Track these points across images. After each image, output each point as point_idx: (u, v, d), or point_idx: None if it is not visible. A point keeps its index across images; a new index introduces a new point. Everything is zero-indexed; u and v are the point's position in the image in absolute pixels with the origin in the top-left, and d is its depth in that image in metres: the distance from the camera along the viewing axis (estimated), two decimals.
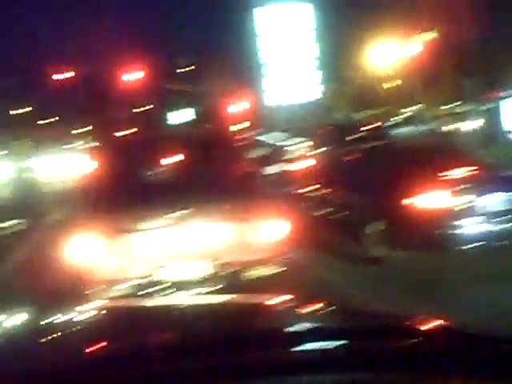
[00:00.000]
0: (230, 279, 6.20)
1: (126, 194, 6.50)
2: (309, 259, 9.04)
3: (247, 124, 43.73)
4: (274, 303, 2.10)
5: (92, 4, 66.48)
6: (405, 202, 8.22)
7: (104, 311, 2.46)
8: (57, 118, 69.38)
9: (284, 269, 6.28)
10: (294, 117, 40.64)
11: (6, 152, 42.87)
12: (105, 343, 1.66)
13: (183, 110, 56.87)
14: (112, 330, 1.92)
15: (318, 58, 41.03)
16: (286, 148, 19.95)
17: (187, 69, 54.45)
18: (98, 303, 4.52)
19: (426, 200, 8.14)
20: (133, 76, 37.69)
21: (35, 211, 17.87)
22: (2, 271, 10.13)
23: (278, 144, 20.68)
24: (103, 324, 2.11)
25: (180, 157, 6.89)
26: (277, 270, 6.27)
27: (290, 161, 17.75)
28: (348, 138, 17.47)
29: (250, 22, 47.24)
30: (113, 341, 1.69)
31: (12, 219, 16.65)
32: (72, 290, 6.14)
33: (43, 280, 7.87)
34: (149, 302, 3.74)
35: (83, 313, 2.36)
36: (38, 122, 69.19)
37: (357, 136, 18.01)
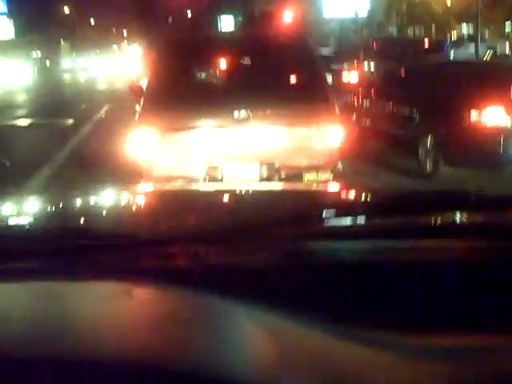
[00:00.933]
0: (283, 182, 6.25)
1: (186, 93, 6.51)
2: (357, 170, 9.06)
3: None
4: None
5: None
6: (463, 118, 8.10)
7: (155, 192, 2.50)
8: (96, 20, 69.06)
9: (332, 178, 6.31)
10: (347, 31, 39.75)
11: (52, 51, 42.96)
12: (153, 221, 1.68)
13: (230, 14, 55.97)
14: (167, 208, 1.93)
15: None
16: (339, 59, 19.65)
17: None
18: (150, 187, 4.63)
19: (484, 118, 8.01)
20: None
21: (87, 108, 18.12)
22: (57, 164, 10.36)
23: (329, 55, 20.35)
24: (154, 203, 2.13)
25: (243, 59, 6.83)
26: (327, 178, 6.30)
27: (344, 71, 17.59)
28: (404, 53, 17.05)
29: None
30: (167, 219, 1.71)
31: (64, 116, 16.96)
32: (128, 184, 6.28)
33: (100, 172, 8.04)
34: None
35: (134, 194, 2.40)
36: (85, 22, 69.13)
37: (414, 51, 17.58)
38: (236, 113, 6.27)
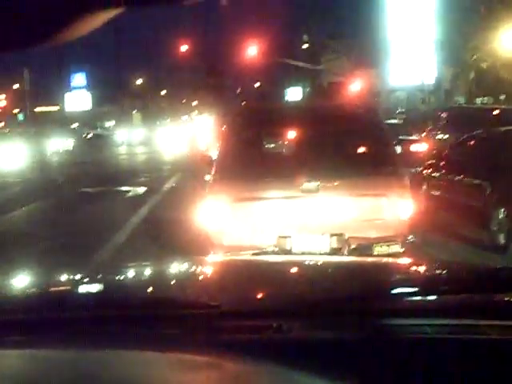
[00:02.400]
0: (354, 255, 6.21)
1: (256, 162, 6.61)
2: (430, 242, 8.94)
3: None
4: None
5: None
6: None
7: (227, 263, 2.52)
8: (167, 90, 71.03)
9: (402, 250, 6.24)
10: (414, 99, 39.80)
11: (125, 121, 44.44)
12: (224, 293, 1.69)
13: (299, 86, 56.87)
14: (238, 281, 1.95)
15: (437, 41, 39.75)
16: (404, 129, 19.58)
17: (306, 46, 54.28)
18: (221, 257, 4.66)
19: None
20: (252, 49, 37.83)
21: (158, 177, 18.53)
22: (128, 231, 10.58)
23: (399, 123, 20.34)
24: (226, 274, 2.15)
25: (312, 129, 6.91)
26: (397, 251, 6.24)
27: (412, 142, 17.49)
28: (472, 122, 16.89)
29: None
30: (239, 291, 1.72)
31: (125, 185, 17.42)
32: (199, 252, 6.36)
33: (171, 241, 8.17)
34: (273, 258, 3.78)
35: (205, 264, 2.42)
36: (157, 93, 71.28)
37: (482, 120, 17.39)
38: (305, 183, 6.31)
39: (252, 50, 39.14)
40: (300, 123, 6.91)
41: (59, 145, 38.40)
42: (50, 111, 55.75)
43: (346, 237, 6.34)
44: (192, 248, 6.72)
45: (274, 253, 6.29)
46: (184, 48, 43.85)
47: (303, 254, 6.23)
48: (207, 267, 2.29)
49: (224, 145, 6.93)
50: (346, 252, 6.28)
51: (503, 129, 10.04)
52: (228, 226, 6.39)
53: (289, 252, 6.32)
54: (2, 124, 49.13)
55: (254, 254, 6.21)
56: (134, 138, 48.55)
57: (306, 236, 6.42)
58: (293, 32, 56.40)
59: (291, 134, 7.02)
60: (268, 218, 6.43)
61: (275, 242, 6.36)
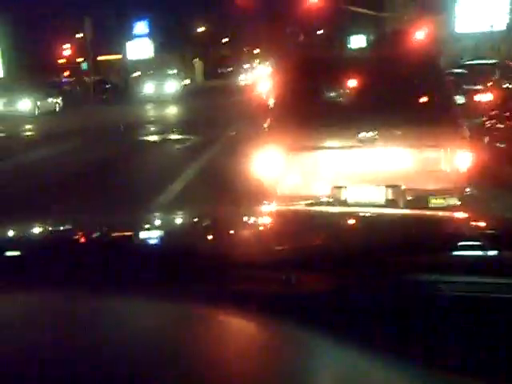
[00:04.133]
0: (410, 207, 6.12)
1: (313, 111, 6.51)
2: (489, 195, 8.73)
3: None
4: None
5: None
6: None
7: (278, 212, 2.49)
8: (229, 38, 70.67)
9: (460, 203, 6.10)
10: (482, 47, 38.46)
11: (186, 69, 44.53)
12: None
13: (362, 34, 55.75)
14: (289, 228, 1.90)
15: None
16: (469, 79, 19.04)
17: None
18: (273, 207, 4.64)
19: None
20: None
21: (218, 126, 18.60)
22: (183, 181, 10.68)
23: (464, 73, 19.76)
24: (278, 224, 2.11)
25: (370, 79, 6.75)
26: (454, 203, 6.10)
27: (477, 91, 17.04)
28: None
29: None
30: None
31: (185, 133, 17.54)
32: (253, 203, 6.36)
33: (226, 191, 8.21)
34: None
35: (257, 214, 2.40)
36: (218, 41, 71.01)
37: None
38: (363, 133, 6.21)
39: None
40: (357, 72, 6.76)
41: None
42: (111, 60, 56.29)
43: (403, 188, 6.24)
44: (247, 196, 6.72)
45: (328, 203, 6.26)
46: None
47: (357, 205, 6.19)
48: (251, 217, 2.26)
49: (279, 93, 6.85)
50: (401, 204, 6.20)
51: None
52: (282, 176, 6.36)
53: (343, 202, 6.27)
54: (67, 73, 49.84)
55: (307, 205, 6.22)
56: (198, 85, 48.68)
57: (362, 187, 6.35)
58: None
59: (349, 84, 6.87)
60: (323, 168, 6.37)
61: (330, 192, 6.31)
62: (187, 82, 51.03)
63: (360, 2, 47.85)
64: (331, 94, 7.01)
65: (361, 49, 33.47)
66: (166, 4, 61.01)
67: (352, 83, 6.82)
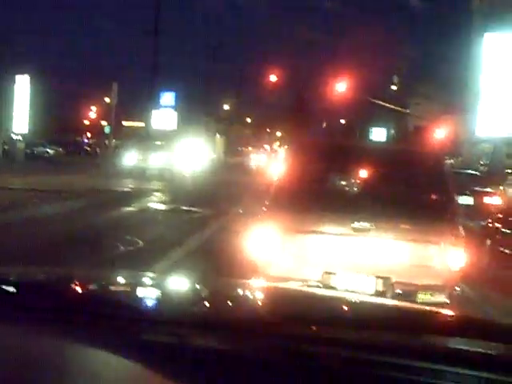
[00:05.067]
0: (397, 300, 6.11)
1: (312, 196, 6.61)
2: (486, 298, 8.70)
3: (449, 152, 42.63)
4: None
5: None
6: None
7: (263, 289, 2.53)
8: (253, 119, 71.94)
9: (448, 301, 6.10)
10: (499, 152, 38.82)
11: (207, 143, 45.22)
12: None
13: (384, 127, 56.50)
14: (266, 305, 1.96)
15: None
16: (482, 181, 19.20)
17: (394, 87, 54.07)
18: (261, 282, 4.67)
19: None
20: (341, 85, 37.92)
21: (216, 202, 18.77)
22: (183, 252, 10.74)
23: (478, 174, 19.93)
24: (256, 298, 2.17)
25: (371, 170, 6.87)
26: (442, 300, 6.10)
27: (486, 194, 17.15)
28: None
29: (478, 46, 45.37)
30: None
31: (195, 206, 17.72)
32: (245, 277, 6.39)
33: (218, 265, 8.25)
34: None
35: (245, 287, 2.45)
36: (242, 120, 72.31)
37: None
38: (358, 222, 6.27)
39: (341, 86, 39.23)
40: (360, 162, 6.88)
41: None
42: (136, 126, 57.30)
43: (392, 280, 6.26)
44: (238, 273, 6.76)
45: (316, 287, 6.26)
46: (273, 78, 44.31)
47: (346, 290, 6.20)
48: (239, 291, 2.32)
49: (281, 175, 6.97)
50: (389, 295, 6.20)
51: None
52: (275, 256, 6.40)
53: (332, 289, 6.28)
54: (90, 135, 50.80)
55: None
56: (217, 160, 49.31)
57: (352, 275, 6.37)
58: (383, 72, 56.37)
59: (350, 172, 7.00)
60: (316, 253, 6.41)
61: (320, 277, 6.33)
62: (212, 156, 51.76)
63: (385, 96, 48.85)
64: (333, 181, 7.11)
65: (362, 141, 33.66)
66: (194, 78, 62.46)
67: (355, 173, 6.93)
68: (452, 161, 41.26)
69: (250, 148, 67.78)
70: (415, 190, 6.67)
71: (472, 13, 44.72)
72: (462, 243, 6.29)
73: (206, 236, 12.74)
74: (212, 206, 17.76)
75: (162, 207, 18.16)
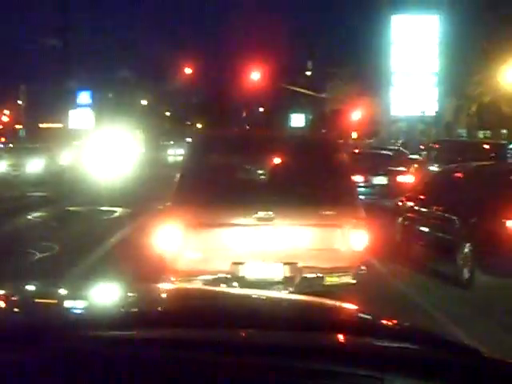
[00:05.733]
0: (305, 284, 6.23)
1: (213, 189, 6.64)
2: (398, 274, 8.95)
3: (366, 133, 43.51)
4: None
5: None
6: (501, 225, 7.94)
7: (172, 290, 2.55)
8: (172, 112, 71.57)
9: (354, 281, 6.25)
10: (413, 130, 39.89)
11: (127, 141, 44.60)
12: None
13: (302, 113, 57.19)
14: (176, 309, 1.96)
15: (439, 73, 39.91)
16: (397, 160, 19.63)
17: (309, 72, 54.69)
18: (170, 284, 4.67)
19: None
20: (254, 75, 38.03)
21: (136, 199, 18.61)
22: (99, 253, 10.62)
23: (389, 154, 20.38)
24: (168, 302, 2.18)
25: (271, 159, 6.96)
26: (348, 281, 6.25)
27: (399, 173, 17.56)
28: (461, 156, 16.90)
29: (387, 28, 46.26)
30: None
31: (115, 205, 17.52)
32: (154, 277, 6.38)
33: (132, 264, 8.19)
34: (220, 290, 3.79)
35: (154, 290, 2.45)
36: (161, 114, 71.72)
37: (471, 154, 17.41)
38: (260, 212, 6.34)
39: (255, 75, 39.32)
40: (260, 152, 6.96)
41: None
42: (53, 128, 56.07)
43: (299, 266, 6.35)
44: (150, 271, 6.73)
45: (226, 280, 6.30)
46: (188, 71, 44.06)
47: (256, 281, 6.27)
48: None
49: (183, 171, 6.98)
50: (297, 281, 6.30)
51: (475, 164, 10.03)
52: (182, 251, 6.40)
53: (242, 279, 6.33)
54: (3, 139, 49.41)
55: (205, 283, 6.26)
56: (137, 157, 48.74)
57: (260, 264, 6.44)
58: (297, 58, 56.89)
59: (250, 163, 7.07)
60: (223, 244, 6.45)
61: (229, 268, 6.37)
62: (133, 152, 51.10)
63: (302, 82, 49.34)
64: (235, 173, 7.16)
65: (263, 130, 33.77)
66: (110, 76, 61.58)
67: (252, 162, 7.01)
68: (372, 140, 42.13)
69: (171, 142, 67.28)
70: (315, 176, 6.78)
71: None
72: (364, 224, 6.45)
73: (123, 236, 12.60)
74: (132, 205, 17.56)
75: (80, 209, 17.83)
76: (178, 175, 7.07)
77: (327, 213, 6.40)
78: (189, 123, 72.25)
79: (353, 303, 2.17)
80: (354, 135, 42.80)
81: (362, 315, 2.00)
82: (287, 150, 7.00)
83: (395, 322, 1.84)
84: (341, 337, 1.55)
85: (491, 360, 1.49)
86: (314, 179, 6.75)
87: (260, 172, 6.95)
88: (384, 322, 1.88)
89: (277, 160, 6.94)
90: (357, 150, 23.10)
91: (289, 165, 6.93)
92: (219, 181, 6.84)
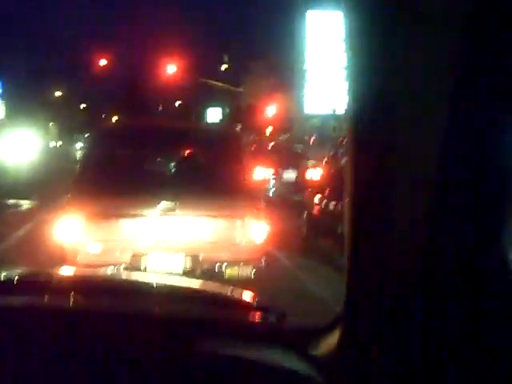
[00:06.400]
0: (206, 276, 6.28)
1: (113, 180, 6.60)
2: (302, 267, 9.13)
3: (280, 128, 43.96)
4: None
5: None
6: None
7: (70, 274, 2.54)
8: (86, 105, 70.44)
9: (253, 273, 6.34)
10: (326, 126, 40.54)
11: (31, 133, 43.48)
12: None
13: (219, 107, 57.21)
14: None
15: (347, 68, 40.67)
16: (307, 155, 20.01)
17: (225, 66, 54.74)
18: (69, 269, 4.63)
19: None
20: (170, 68, 37.84)
21: (42, 191, 18.27)
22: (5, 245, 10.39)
23: (299, 151, 20.74)
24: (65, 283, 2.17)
25: (173, 149, 6.99)
26: (247, 273, 6.34)
27: (308, 167, 17.91)
28: None
29: (301, 24, 46.63)
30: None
31: (21, 198, 17.14)
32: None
33: (35, 257, 8.05)
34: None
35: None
36: (76, 106, 70.36)
37: None
38: (163, 202, 6.34)
39: (171, 68, 39.10)
40: (161, 143, 6.97)
41: None
42: None
43: (201, 257, 6.40)
44: (50, 265, 6.62)
45: (125, 270, 6.28)
46: (103, 62, 43.41)
47: (156, 273, 6.27)
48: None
49: (82, 162, 6.92)
50: (198, 272, 6.34)
51: None
52: (82, 243, 6.33)
53: (143, 270, 6.32)
54: None
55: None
56: (48, 150, 47.78)
57: (161, 255, 6.44)
58: (214, 51, 56.87)
59: (153, 154, 7.07)
60: (124, 236, 6.42)
61: (129, 259, 6.35)
62: (45, 145, 49.92)
63: (218, 75, 49.34)
64: (136, 164, 7.14)
65: (165, 120, 33.62)
66: (21, 66, 59.93)
67: (155, 153, 7.02)
68: (287, 135, 42.58)
69: (85, 135, 65.98)
70: (215, 167, 6.84)
71: None
72: (264, 217, 6.55)
73: (28, 228, 12.36)
74: (41, 197, 17.19)
75: None
76: (78, 166, 7.02)
77: (227, 204, 6.47)
78: (103, 116, 71.12)
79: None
80: (269, 130, 43.22)
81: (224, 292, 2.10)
82: (190, 141, 7.05)
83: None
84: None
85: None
86: (215, 171, 6.81)
87: (162, 163, 6.96)
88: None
89: (180, 151, 6.96)
90: (271, 144, 23.37)
91: (192, 156, 6.97)
92: (121, 171, 6.80)
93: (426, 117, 0.98)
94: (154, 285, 1.97)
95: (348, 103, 1.09)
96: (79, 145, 54.49)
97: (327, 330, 1.34)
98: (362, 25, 1.01)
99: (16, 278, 1.81)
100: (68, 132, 61.42)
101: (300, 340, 1.43)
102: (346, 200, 1.10)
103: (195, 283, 2.50)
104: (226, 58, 56.14)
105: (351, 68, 1.05)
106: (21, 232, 12.03)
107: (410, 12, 0.95)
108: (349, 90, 1.07)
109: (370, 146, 1.05)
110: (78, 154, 38.63)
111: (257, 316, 1.72)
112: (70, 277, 2.24)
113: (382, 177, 1.02)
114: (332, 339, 1.25)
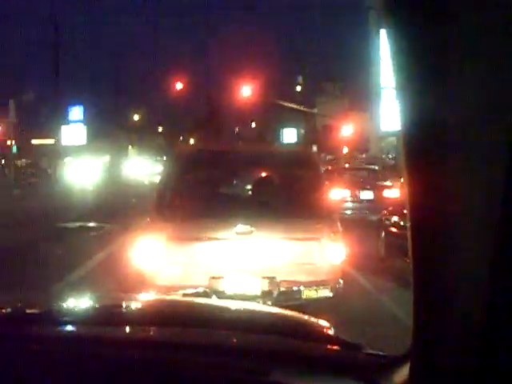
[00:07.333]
0: (283, 298, 6.29)
1: (192, 203, 6.72)
2: (381, 288, 9.00)
3: (356, 148, 43.73)
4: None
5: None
6: None
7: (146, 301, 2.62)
8: (164, 127, 71.75)
9: (332, 294, 6.30)
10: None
11: (120, 157, 44.68)
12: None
13: (294, 128, 57.35)
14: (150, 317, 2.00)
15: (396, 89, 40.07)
16: (384, 174, 19.78)
17: (299, 88, 54.95)
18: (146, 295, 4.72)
19: None
20: (245, 90, 38.19)
21: (118, 215, 18.68)
22: (83, 271, 10.67)
23: (376, 170, 20.52)
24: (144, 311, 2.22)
25: (250, 173, 7.05)
26: (326, 295, 6.31)
27: (386, 187, 17.67)
28: None
29: (375, 42, 46.40)
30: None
31: (98, 221, 17.58)
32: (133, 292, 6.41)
33: (116, 279, 8.23)
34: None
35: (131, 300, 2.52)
36: (154, 129, 71.87)
37: None
38: (240, 225, 6.41)
39: (246, 90, 39.44)
40: (239, 167, 7.06)
41: None
42: (46, 144, 56.05)
43: (278, 280, 6.41)
44: (130, 287, 6.77)
45: (205, 294, 6.35)
46: (179, 86, 44.20)
47: (234, 295, 6.32)
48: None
49: (163, 185, 7.05)
50: (275, 295, 6.35)
51: None
52: (161, 266, 6.46)
53: (221, 293, 6.39)
54: None
55: (184, 295, 6.31)
56: (130, 174, 49.02)
57: (239, 277, 6.49)
58: (288, 73, 57.18)
59: (229, 177, 7.16)
60: (202, 259, 6.51)
61: (207, 282, 6.42)
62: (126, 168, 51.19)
63: (292, 96, 49.55)
64: (214, 187, 7.25)
65: (242, 145, 33.62)
66: (102, 90, 61.80)
67: (232, 177, 7.10)
68: (364, 155, 42.26)
69: (164, 157, 67.25)
70: (292, 190, 6.88)
71: (368, 9, 45.90)
72: (341, 238, 6.52)
73: (110, 251, 12.64)
74: (122, 220, 17.58)
75: (68, 225, 17.83)
76: (157, 190, 7.16)
77: (304, 226, 6.48)
78: (181, 138, 72.42)
79: (329, 315, 2.26)
80: (345, 150, 42.99)
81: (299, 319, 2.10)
82: (266, 164, 7.11)
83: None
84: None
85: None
86: (292, 193, 6.84)
87: (239, 186, 7.04)
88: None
89: (256, 174, 7.03)
90: (347, 165, 23.23)
91: (268, 178, 7.03)
92: (198, 195, 6.92)
93: (477, 143, 0.93)
94: (231, 316, 2.00)
95: (400, 125, 1.05)
96: (157, 168, 55.70)
97: (399, 361, 1.33)
98: (411, 44, 0.96)
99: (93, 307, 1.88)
100: (147, 155, 62.72)
101: (373, 372, 1.42)
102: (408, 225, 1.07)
103: (271, 312, 2.50)
104: (300, 80, 56.38)
105: (399, 90, 1.01)
106: (101, 254, 12.32)
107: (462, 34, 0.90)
108: (400, 112, 1.03)
109: (421, 170, 1.01)
110: (156, 178, 39.43)
111: (331, 348, 1.72)
112: (147, 306, 2.28)
113: (436, 202, 0.99)
114: (404, 371, 1.24)
